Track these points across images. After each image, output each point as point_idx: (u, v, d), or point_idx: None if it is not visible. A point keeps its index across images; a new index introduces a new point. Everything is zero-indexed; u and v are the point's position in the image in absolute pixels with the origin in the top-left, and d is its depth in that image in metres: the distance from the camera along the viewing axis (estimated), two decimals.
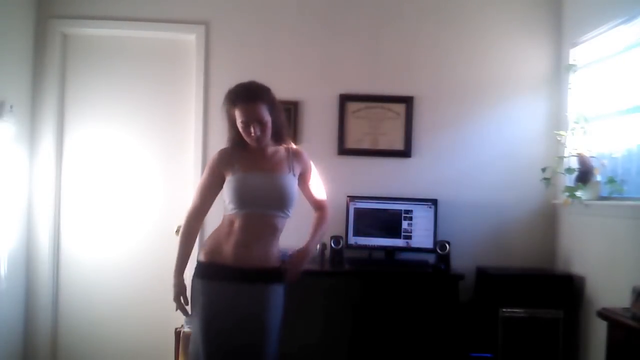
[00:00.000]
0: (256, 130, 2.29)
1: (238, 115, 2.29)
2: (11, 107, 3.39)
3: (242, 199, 2.29)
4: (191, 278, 2.37)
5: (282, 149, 2.46)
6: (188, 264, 2.44)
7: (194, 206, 2.44)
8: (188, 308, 2.40)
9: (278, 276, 2.36)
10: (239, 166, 2.34)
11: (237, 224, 2.30)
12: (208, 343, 2.25)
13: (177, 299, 2.39)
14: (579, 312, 3.37)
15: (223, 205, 2.42)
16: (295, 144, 3.61)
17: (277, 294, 2.35)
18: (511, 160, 3.78)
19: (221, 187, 2.39)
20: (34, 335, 3.72)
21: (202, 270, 2.34)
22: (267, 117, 2.31)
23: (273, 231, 2.34)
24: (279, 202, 2.33)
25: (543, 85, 3.80)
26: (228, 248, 2.30)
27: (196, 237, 2.48)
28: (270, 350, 2.29)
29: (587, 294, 3.31)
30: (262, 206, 2.31)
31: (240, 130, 2.32)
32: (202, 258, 2.36)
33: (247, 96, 2.29)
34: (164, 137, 3.85)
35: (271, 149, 2.42)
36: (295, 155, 2.47)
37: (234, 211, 2.31)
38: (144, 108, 3.84)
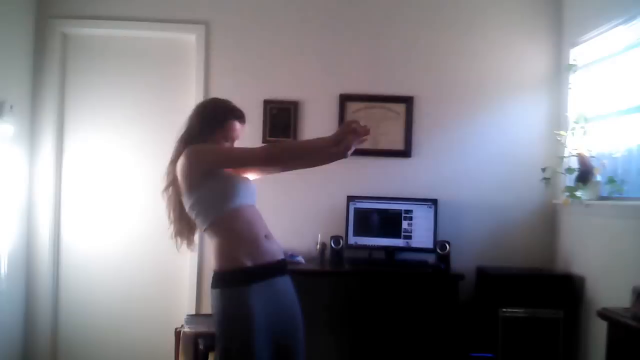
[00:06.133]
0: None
1: (234, 129, 2.38)
2: (11, 107, 3.40)
3: (241, 191, 2.30)
4: (216, 292, 2.17)
5: None
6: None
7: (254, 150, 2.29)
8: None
9: None
10: None
11: (243, 219, 2.27)
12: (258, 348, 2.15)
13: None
14: (579, 312, 3.37)
15: (205, 215, 2.23)
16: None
17: None
18: (511, 160, 3.78)
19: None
20: (34, 335, 3.72)
21: (243, 276, 2.19)
22: None
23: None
24: (254, 192, 2.39)
25: (543, 85, 3.80)
26: (255, 246, 2.24)
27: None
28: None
29: (587, 294, 3.31)
30: (251, 197, 2.36)
31: (226, 141, 2.37)
32: (233, 265, 2.20)
33: (245, 118, 2.42)
34: (163, 136, 3.81)
35: None
36: None
37: (232, 206, 2.26)
38: (143, 108, 3.84)
